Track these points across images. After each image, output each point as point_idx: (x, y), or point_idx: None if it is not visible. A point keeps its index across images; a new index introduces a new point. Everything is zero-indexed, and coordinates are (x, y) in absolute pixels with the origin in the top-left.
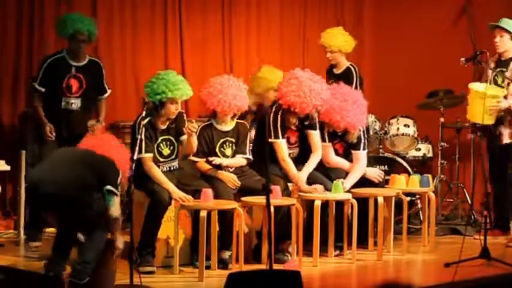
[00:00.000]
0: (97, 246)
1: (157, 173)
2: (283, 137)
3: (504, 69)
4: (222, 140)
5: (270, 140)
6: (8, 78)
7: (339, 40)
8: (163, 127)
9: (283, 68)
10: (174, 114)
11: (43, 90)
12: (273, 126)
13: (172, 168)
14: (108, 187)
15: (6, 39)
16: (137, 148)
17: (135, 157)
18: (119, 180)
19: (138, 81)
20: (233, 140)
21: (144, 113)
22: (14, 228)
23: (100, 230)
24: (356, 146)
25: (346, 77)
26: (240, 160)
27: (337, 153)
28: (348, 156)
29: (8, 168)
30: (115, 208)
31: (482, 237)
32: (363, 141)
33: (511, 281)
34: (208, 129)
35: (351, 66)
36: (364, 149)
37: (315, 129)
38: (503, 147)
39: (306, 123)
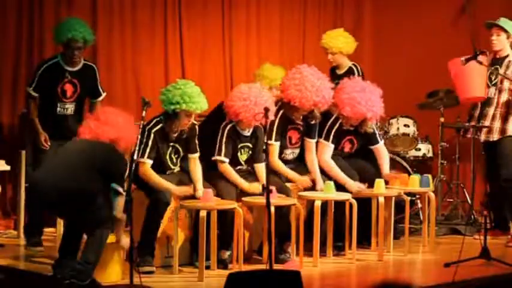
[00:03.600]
0: (99, 246)
1: (153, 177)
2: (276, 140)
3: (498, 67)
4: (241, 145)
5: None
6: (8, 79)
7: (339, 41)
8: (174, 136)
9: (283, 68)
10: (186, 126)
11: (36, 95)
12: (269, 127)
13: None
14: (114, 185)
15: (6, 39)
16: (140, 152)
17: (135, 159)
18: (125, 174)
19: (138, 82)
20: (250, 146)
21: (157, 119)
22: (14, 228)
23: (102, 229)
24: (374, 140)
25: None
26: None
27: (343, 151)
28: (355, 154)
29: (8, 168)
30: (119, 209)
31: (482, 237)
32: (377, 131)
33: (511, 281)
34: (233, 132)
35: (353, 66)
36: (381, 139)
37: (314, 138)
38: (493, 144)
39: (312, 122)
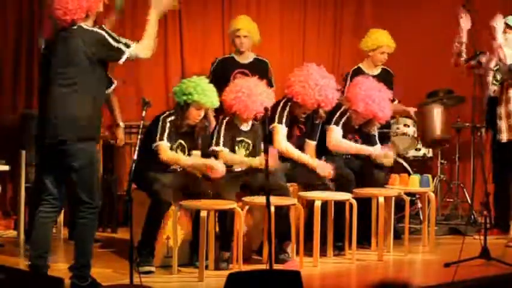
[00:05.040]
0: (88, 246)
1: (176, 157)
2: (286, 125)
3: (501, 64)
4: (239, 139)
5: (271, 125)
6: (8, 78)
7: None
8: (183, 130)
9: (283, 68)
10: (196, 121)
11: None
12: (279, 112)
13: (176, 169)
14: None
15: (6, 39)
16: (158, 137)
17: (154, 146)
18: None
19: (138, 81)
20: (249, 142)
21: (169, 111)
22: (14, 228)
23: (87, 227)
24: (373, 141)
25: (384, 78)
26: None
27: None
28: (355, 154)
29: (8, 168)
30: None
31: (482, 237)
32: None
33: (511, 281)
34: (232, 125)
35: (387, 68)
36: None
37: (314, 140)
38: (504, 145)
39: (316, 121)
